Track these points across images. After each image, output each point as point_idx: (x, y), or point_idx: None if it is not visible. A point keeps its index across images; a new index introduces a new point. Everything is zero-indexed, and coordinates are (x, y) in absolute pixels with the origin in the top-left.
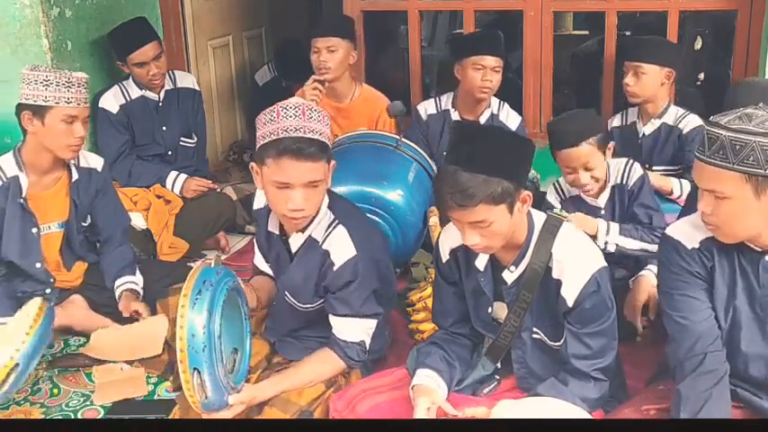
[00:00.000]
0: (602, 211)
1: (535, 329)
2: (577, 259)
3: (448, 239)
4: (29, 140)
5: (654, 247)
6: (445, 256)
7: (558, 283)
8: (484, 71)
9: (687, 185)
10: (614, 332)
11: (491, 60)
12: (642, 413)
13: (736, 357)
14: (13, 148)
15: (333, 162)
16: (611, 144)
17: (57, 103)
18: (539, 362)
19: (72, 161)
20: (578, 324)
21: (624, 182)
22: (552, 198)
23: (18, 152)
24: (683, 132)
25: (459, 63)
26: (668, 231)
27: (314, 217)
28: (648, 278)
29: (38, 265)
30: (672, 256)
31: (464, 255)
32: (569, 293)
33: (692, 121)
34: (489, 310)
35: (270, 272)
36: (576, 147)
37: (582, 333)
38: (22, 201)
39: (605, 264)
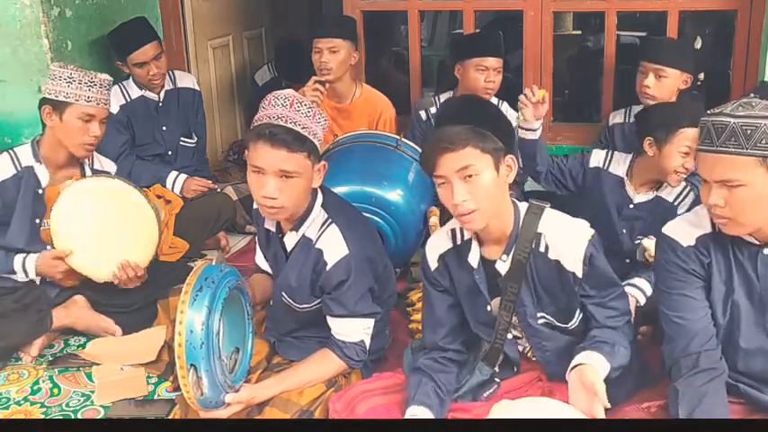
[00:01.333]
0: (631, 206)
1: (540, 315)
2: (569, 232)
3: (435, 246)
4: (47, 135)
5: None
6: (434, 264)
7: (558, 264)
8: (487, 73)
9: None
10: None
11: (493, 62)
12: (644, 411)
13: (735, 353)
14: (32, 140)
15: (322, 163)
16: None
17: (76, 100)
18: (557, 342)
19: (86, 162)
20: (595, 292)
21: (675, 203)
22: (596, 159)
23: (36, 144)
24: None
25: (460, 63)
26: (664, 230)
27: (307, 216)
28: (631, 300)
29: (48, 248)
30: (668, 255)
31: (453, 257)
32: (575, 264)
33: None
34: (488, 308)
35: (270, 270)
36: None
37: (605, 301)
38: (40, 191)
39: (594, 231)
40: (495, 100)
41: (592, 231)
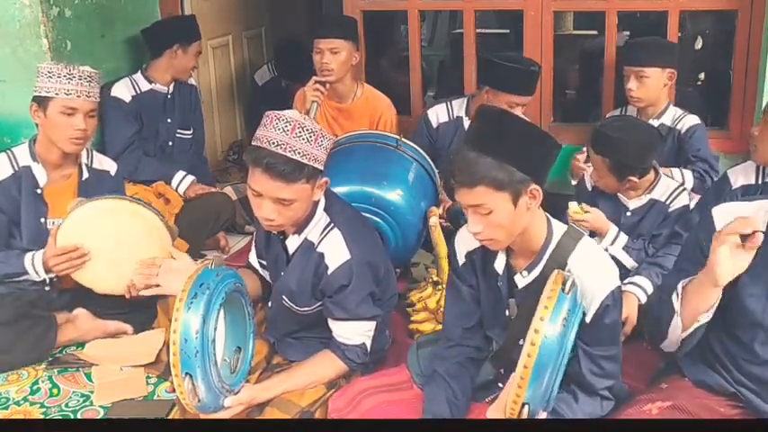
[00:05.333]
0: (628, 213)
1: None
2: (596, 275)
3: (463, 242)
4: (39, 133)
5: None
6: (461, 260)
7: None
8: (516, 108)
9: (689, 175)
10: (620, 355)
11: (526, 99)
12: (645, 413)
13: (752, 360)
14: (29, 140)
15: (324, 179)
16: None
17: (56, 94)
18: None
19: (84, 161)
20: (592, 343)
21: (667, 202)
22: (588, 180)
23: (32, 143)
24: (681, 132)
25: (492, 89)
26: (713, 210)
27: (310, 219)
28: (632, 297)
29: None
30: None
31: (480, 258)
32: (586, 310)
33: (688, 121)
34: (506, 312)
35: (260, 269)
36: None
37: (596, 355)
38: (39, 191)
39: (620, 283)
40: None
41: (617, 283)
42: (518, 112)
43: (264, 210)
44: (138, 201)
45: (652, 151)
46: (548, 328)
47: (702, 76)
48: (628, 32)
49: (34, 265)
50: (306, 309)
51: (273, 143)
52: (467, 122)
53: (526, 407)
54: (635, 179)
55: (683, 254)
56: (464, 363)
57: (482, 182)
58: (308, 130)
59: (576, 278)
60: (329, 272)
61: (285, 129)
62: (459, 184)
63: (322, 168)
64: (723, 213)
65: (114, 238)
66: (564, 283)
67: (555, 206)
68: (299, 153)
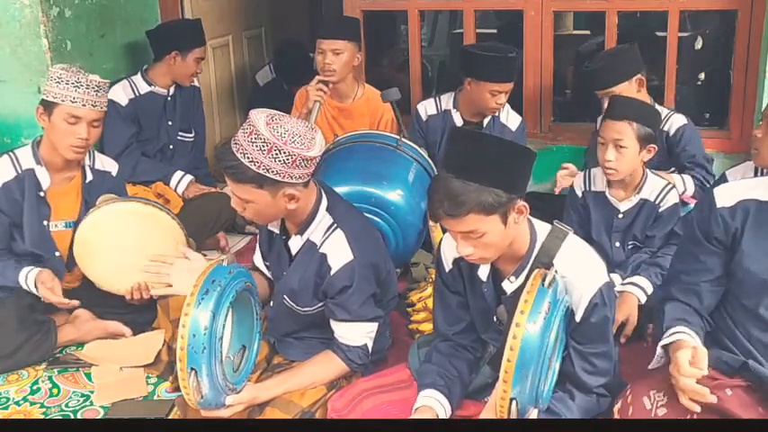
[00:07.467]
0: (620, 215)
1: None
2: (582, 274)
3: (450, 249)
4: (44, 136)
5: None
6: (448, 266)
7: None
8: (499, 96)
9: (690, 181)
10: (612, 352)
11: (508, 86)
12: (647, 413)
13: (753, 321)
14: (32, 142)
15: (289, 192)
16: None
17: (62, 100)
18: None
19: (87, 163)
20: (583, 341)
21: (656, 202)
22: (577, 186)
23: (36, 146)
24: (670, 134)
25: (474, 80)
26: (714, 189)
27: (312, 219)
28: (632, 298)
29: (57, 253)
30: (701, 212)
31: (467, 265)
32: (576, 307)
33: (676, 121)
34: (495, 318)
35: (266, 271)
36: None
37: (587, 353)
38: (41, 194)
39: (609, 279)
40: None
41: (605, 280)
42: (501, 99)
43: (233, 198)
44: (165, 209)
45: (658, 125)
46: (528, 323)
47: (702, 75)
48: None
49: (27, 283)
50: (307, 309)
51: (234, 139)
52: (455, 115)
53: (514, 402)
54: (653, 148)
55: (678, 256)
56: (457, 347)
57: (472, 210)
58: (262, 138)
59: (557, 274)
60: (332, 273)
61: (245, 130)
62: (447, 215)
63: (282, 180)
64: (726, 190)
65: (131, 240)
66: (543, 278)
67: (554, 206)
68: (247, 157)
